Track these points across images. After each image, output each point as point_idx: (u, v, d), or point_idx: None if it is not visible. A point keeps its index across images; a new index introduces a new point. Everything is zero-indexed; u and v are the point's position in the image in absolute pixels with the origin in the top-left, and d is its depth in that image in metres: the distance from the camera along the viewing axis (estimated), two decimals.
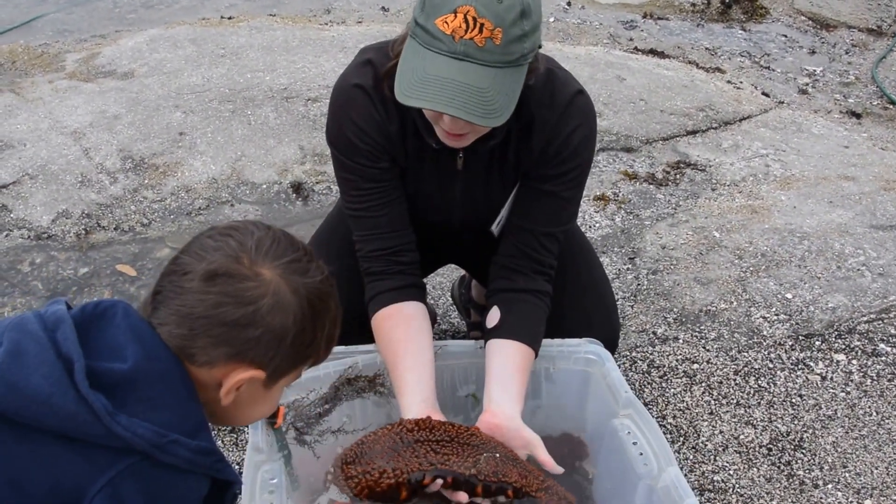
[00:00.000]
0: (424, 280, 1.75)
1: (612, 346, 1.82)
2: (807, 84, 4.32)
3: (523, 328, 1.55)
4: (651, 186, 3.12)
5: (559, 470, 1.40)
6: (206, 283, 0.94)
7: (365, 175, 1.58)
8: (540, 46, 1.50)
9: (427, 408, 1.43)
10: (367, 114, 1.54)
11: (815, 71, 4.50)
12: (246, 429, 1.77)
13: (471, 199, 1.66)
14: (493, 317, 1.58)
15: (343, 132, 1.56)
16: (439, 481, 1.26)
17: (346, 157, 1.58)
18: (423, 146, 1.57)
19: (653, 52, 4.56)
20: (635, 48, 4.60)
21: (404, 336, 1.51)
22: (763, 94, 4.09)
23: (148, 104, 3.43)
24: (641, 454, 1.40)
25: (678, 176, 3.20)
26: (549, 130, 1.54)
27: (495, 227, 1.69)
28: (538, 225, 1.61)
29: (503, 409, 1.44)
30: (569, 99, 1.54)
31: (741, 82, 4.20)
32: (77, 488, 0.87)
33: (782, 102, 4.03)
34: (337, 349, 1.56)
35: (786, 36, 5.00)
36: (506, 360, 1.51)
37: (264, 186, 2.98)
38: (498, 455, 1.34)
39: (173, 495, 0.92)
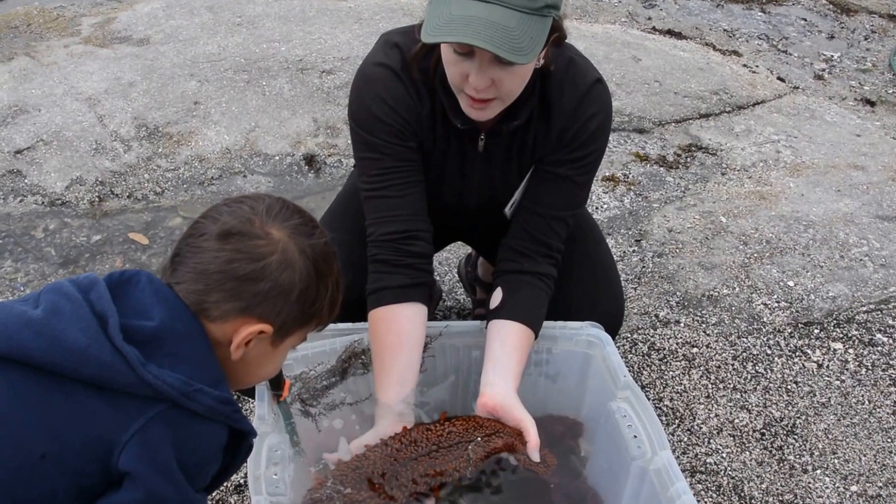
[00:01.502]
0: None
1: (615, 325, 1.84)
2: (823, 70, 4.29)
3: (524, 309, 1.57)
4: (661, 169, 3.13)
5: (536, 458, 1.42)
6: (220, 242, 1.02)
7: (390, 153, 1.55)
8: (564, 38, 1.52)
9: (400, 418, 1.46)
10: (395, 92, 1.53)
11: (832, 56, 4.46)
12: (251, 400, 1.82)
13: (488, 182, 1.68)
14: (496, 298, 1.60)
15: (368, 108, 1.54)
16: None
17: (370, 133, 1.55)
18: (449, 129, 1.58)
19: (670, 32, 4.53)
20: (653, 28, 4.57)
21: (393, 345, 1.50)
22: (778, 78, 4.07)
23: (163, 72, 3.45)
24: (636, 437, 1.44)
25: (689, 159, 3.21)
26: (568, 116, 1.56)
27: (509, 210, 1.71)
28: (549, 209, 1.62)
29: (496, 390, 1.47)
30: (588, 87, 1.56)
31: (757, 66, 4.17)
32: (108, 436, 0.94)
33: (797, 88, 4.01)
34: (343, 326, 1.61)
35: (805, 19, 4.95)
36: (504, 340, 1.54)
37: (277, 158, 3.01)
38: (479, 439, 1.42)
39: (197, 441, 0.99)
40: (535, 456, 1.41)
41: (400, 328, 1.52)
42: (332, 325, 1.63)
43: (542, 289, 1.62)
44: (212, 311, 1.02)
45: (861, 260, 2.57)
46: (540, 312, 1.60)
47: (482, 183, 1.67)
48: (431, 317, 1.61)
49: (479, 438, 1.41)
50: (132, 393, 0.94)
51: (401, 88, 1.53)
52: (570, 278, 1.73)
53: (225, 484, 1.73)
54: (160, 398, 0.95)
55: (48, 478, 0.93)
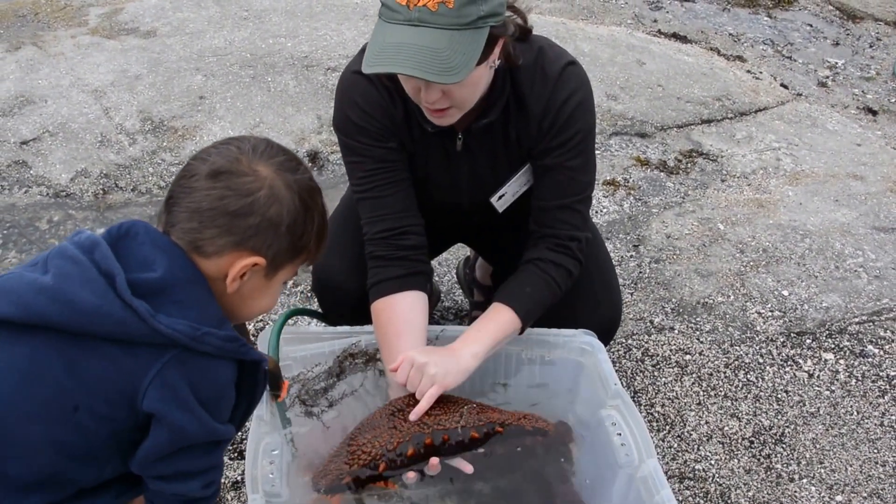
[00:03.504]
0: (432, 258, 1.78)
1: (611, 332, 1.87)
2: (827, 77, 4.30)
3: (505, 291, 1.61)
4: (662, 174, 3.15)
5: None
6: (210, 180, 1.08)
7: (371, 155, 1.62)
8: (530, 30, 1.55)
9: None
10: (370, 96, 1.59)
11: (836, 63, 4.47)
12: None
13: (477, 179, 1.71)
14: None
15: (347, 115, 1.61)
16: (435, 460, 1.39)
17: (351, 138, 1.63)
18: (424, 131, 1.62)
19: (675, 35, 4.54)
20: (658, 31, 4.58)
21: (397, 331, 1.56)
22: (782, 85, 4.08)
23: (169, 65, 3.47)
24: (624, 444, 1.47)
25: (689, 165, 3.23)
26: (543, 104, 1.58)
27: (496, 201, 1.74)
28: (549, 199, 1.65)
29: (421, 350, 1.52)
30: (559, 71, 1.58)
31: (761, 72, 4.18)
32: (131, 383, 1.03)
33: (800, 95, 4.02)
34: (342, 329, 1.65)
35: (811, 25, 4.95)
36: (482, 318, 1.60)
37: None
38: (475, 405, 1.51)
39: (210, 378, 1.07)
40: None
41: (401, 315, 1.58)
42: (330, 328, 1.68)
43: (533, 272, 1.63)
44: (207, 248, 1.08)
45: (856, 271, 2.59)
46: (521, 292, 1.61)
47: (471, 181, 1.71)
48: (429, 318, 1.65)
49: (474, 405, 1.49)
50: (146, 342, 1.02)
51: (374, 93, 1.58)
52: (572, 289, 1.76)
53: (222, 481, 1.77)
54: (172, 344, 1.03)
55: (84, 427, 1.02)
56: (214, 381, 1.08)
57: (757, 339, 2.32)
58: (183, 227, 1.08)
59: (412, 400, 1.47)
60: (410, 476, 1.41)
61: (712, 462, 1.94)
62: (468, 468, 1.43)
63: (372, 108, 1.58)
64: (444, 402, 1.49)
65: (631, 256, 2.65)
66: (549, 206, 1.64)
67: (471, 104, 1.51)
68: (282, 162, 1.12)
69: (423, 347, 1.54)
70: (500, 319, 1.57)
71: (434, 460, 1.41)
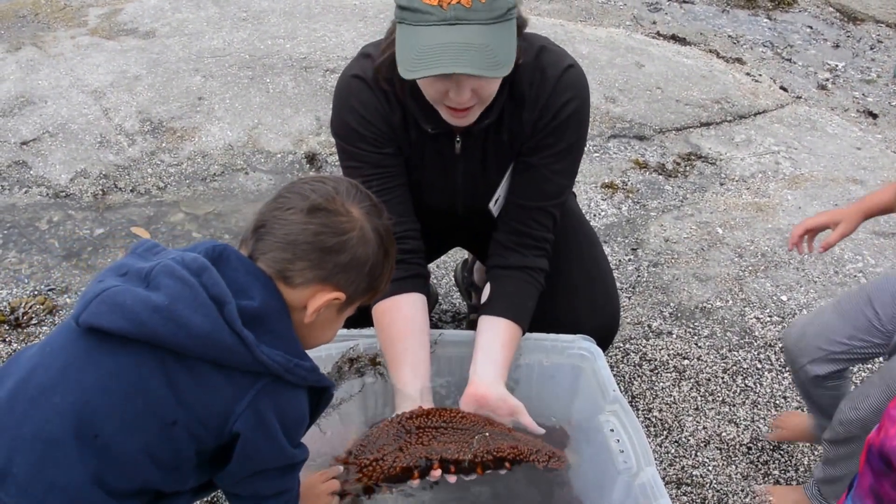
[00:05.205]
0: (430, 262, 1.77)
1: (609, 338, 1.87)
2: (827, 79, 4.30)
3: (511, 305, 1.61)
4: (660, 177, 3.15)
5: (541, 431, 1.51)
6: (308, 216, 1.12)
7: (369, 161, 1.61)
8: (527, 21, 1.53)
9: (421, 401, 1.51)
10: (369, 102, 1.58)
11: (836, 66, 4.47)
12: None
13: (471, 182, 1.70)
14: (486, 293, 1.66)
15: (345, 120, 1.60)
16: (437, 472, 1.38)
17: (349, 144, 1.62)
18: (423, 134, 1.61)
19: (674, 37, 4.54)
20: (657, 33, 4.58)
21: (401, 332, 1.57)
22: (781, 88, 4.08)
23: (168, 66, 3.47)
24: (622, 451, 1.47)
25: (688, 168, 3.23)
26: (541, 107, 1.57)
27: (493, 206, 1.73)
28: (528, 200, 1.65)
29: (486, 381, 1.52)
30: (559, 73, 1.57)
31: (760, 75, 4.18)
32: (226, 407, 1.06)
33: (800, 98, 4.02)
34: (340, 332, 1.64)
35: (811, 27, 4.95)
36: (493, 336, 1.58)
37: (279, 156, 3.03)
38: (488, 434, 1.46)
39: (292, 407, 1.13)
40: (539, 430, 1.49)
41: (403, 315, 1.59)
42: None
43: (530, 282, 1.65)
44: (295, 279, 1.12)
45: (855, 276, 2.59)
46: (526, 306, 1.63)
47: (466, 184, 1.70)
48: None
49: (487, 434, 1.46)
50: (243, 369, 1.05)
51: (373, 99, 1.58)
52: (570, 293, 1.76)
53: None
54: (265, 372, 1.07)
55: (177, 441, 1.05)
56: (297, 409, 1.13)
57: (755, 344, 2.31)
58: (275, 256, 1.11)
59: (422, 421, 1.45)
60: (414, 484, 1.41)
61: (710, 468, 1.94)
62: (452, 478, 1.42)
63: (371, 114, 1.58)
64: (458, 427, 1.46)
65: (629, 260, 2.65)
66: (527, 206, 1.64)
67: (491, 98, 1.49)
68: (369, 206, 1.18)
69: (489, 379, 1.53)
70: (516, 341, 1.61)
71: (435, 471, 1.40)
